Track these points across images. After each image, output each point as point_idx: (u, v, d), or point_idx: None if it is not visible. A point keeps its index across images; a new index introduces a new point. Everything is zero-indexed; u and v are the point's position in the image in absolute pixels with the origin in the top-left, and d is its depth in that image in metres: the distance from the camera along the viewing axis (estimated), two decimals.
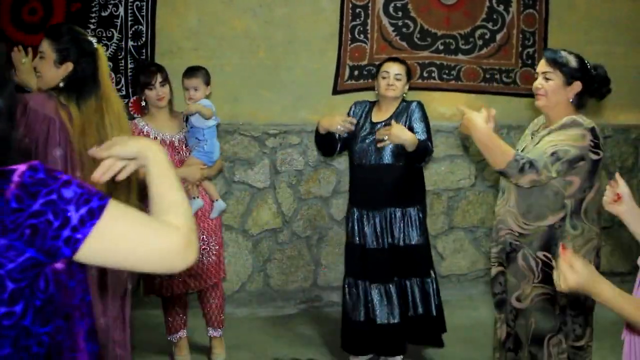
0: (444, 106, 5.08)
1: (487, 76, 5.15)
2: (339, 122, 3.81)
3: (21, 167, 1.26)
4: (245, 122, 4.86)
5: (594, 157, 2.76)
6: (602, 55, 4.64)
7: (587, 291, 1.92)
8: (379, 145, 3.72)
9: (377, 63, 4.34)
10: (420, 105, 3.89)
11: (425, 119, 3.85)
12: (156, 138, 3.73)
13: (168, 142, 3.76)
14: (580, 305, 2.84)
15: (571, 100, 2.86)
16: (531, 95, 4.99)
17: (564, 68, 2.84)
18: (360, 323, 3.86)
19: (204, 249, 3.79)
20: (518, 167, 2.69)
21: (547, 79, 2.88)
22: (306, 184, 4.97)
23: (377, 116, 3.92)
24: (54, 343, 1.34)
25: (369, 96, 4.45)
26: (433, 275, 3.91)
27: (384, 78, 3.87)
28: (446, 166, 5.21)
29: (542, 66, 2.93)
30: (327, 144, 3.97)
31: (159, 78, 3.70)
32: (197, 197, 3.76)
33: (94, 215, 1.27)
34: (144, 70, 3.78)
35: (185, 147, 3.81)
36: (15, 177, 1.24)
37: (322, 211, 5.01)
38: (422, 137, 3.73)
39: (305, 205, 4.99)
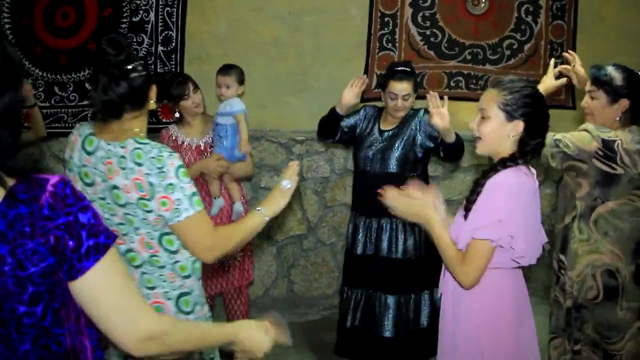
0: (471, 116, 5.02)
1: None
2: (357, 89, 3.72)
3: (54, 178, 1.31)
4: (272, 129, 4.89)
5: (604, 167, 2.72)
6: (631, 66, 4.61)
7: (420, 221, 2.20)
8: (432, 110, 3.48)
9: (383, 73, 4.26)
10: (429, 113, 3.69)
11: None
12: (183, 142, 3.79)
13: (194, 146, 3.80)
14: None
15: (618, 118, 2.80)
16: (558, 106, 5.10)
17: (606, 87, 2.78)
18: (354, 329, 3.87)
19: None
20: None
21: (592, 98, 2.85)
22: (332, 191, 4.98)
23: (385, 124, 3.85)
24: (71, 344, 1.39)
25: None
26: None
27: (392, 99, 3.73)
28: (472, 176, 5.18)
29: (588, 84, 2.89)
30: (334, 125, 3.87)
31: (191, 86, 3.73)
32: (219, 196, 3.76)
33: (99, 250, 1.33)
34: (173, 83, 3.75)
35: (210, 149, 3.82)
36: (49, 187, 1.29)
37: (347, 218, 5.00)
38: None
39: (330, 212, 5.00)
